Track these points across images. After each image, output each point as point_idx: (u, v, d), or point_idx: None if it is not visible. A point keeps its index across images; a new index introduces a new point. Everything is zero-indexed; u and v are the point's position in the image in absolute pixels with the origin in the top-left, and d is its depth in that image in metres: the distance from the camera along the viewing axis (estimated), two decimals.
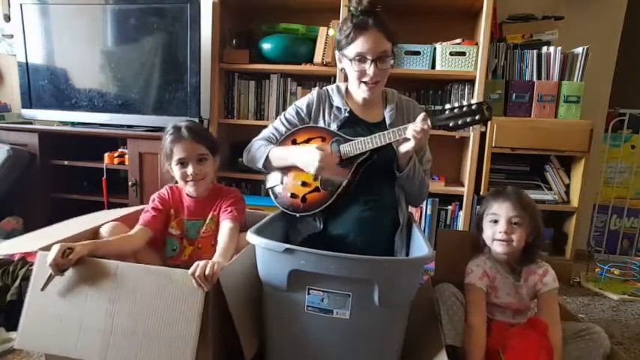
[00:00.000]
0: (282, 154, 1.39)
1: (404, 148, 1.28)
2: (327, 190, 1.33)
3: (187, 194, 1.45)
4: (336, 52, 1.39)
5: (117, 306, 1.08)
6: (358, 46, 1.28)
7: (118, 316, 1.07)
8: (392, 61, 1.33)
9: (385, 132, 1.28)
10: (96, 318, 1.08)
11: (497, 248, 1.29)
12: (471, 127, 1.24)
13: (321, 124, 1.42)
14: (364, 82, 1.33)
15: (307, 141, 1.38)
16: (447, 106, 1.25)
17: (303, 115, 1.44)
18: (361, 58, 1.29)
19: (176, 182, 1.45)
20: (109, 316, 1.08)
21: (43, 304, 1.13)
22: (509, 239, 1.26)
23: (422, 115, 1.25)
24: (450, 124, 1.24)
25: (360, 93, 1.38)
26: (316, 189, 1.35)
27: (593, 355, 1.16)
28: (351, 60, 1.31)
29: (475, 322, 1.23)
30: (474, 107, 1.22)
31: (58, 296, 1.12)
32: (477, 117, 1.21)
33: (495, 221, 1.29)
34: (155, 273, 1.10)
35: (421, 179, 1.39)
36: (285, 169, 1.41)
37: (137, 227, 1.38)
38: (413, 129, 1.23)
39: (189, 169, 1.37)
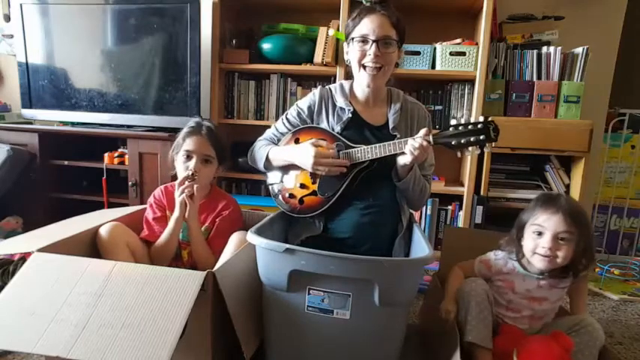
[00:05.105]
0: (281, 153, 1.39)
1: (402, 160, 1.27)
2: (324, 196, 1.33)
3: None
4: (345, 45, 1.39)
5: (101, 300, 1.02)
6: (362, 27, 1.30)
7: (100, 309, 1.00)
8: (396, 49, 1.32)
9: (385, 144, 1.26)
10: (73, 311, 1.00)
11: (537, 263, 1.18)
12: (471, 148, 1.19)
13: (324, 125, 1.40)
14: (365, 67, 1.32)
15: None
16: (452, 122, 1.22)
17: (304, 116, 1.43)
18: (364, 39, 1.30)
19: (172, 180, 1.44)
20: (88, 309, 1.00)
21: (18, 298, 1.05)
22: (553, 255, 1.15)
23: (424, 130, 1.22)
24: (453, 143, 1.20)
25: (362, 80, 1.35)
26: (314, 192, 1.34)
27: (589, 347, 1.14)
28: (354, 40, 1.31)
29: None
30: (479, 126, 1.18)
31: (37, 291, 1.06)
32: (481, 137, 1.17)
33: (540, 233, 1.17)
34: (150, 270, 1.08)
35: (422, 187, 1.37)
36: (286, 169, 1.41)
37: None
38: (411, 144, 1.21)
39: (192, 164, 1.38)
